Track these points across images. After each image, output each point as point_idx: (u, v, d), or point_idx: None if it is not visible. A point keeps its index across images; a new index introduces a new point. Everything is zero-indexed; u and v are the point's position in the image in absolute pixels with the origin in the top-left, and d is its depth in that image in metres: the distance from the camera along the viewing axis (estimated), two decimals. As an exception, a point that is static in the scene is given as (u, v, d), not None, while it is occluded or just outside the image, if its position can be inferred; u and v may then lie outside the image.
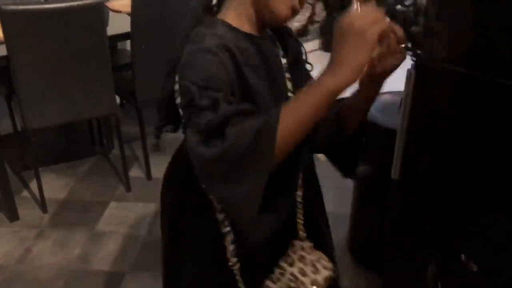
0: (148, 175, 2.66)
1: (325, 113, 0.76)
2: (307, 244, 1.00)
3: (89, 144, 3.04)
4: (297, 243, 1.00)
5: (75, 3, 2.10)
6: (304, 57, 1.05)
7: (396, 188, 1.53)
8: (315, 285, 0.93)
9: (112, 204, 2.45)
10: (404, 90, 1.37)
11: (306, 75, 1.05)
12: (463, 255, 1.40)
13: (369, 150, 1.84)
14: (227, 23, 0.90)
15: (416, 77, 1.32)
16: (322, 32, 4.48)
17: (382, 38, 0.72)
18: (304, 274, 0.94)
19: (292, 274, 0.94)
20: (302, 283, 0.93)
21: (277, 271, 0.96)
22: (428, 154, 1.41)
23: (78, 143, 3.10)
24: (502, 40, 1.13)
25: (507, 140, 1.20)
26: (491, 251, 1.32)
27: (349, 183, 2.32)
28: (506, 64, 1.13)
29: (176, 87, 0.86)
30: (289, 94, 0.99)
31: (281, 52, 1.01)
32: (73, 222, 2.31)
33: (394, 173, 1.47)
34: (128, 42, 3.16)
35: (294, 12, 0.90)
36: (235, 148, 0.75)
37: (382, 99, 1.92)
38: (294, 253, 0.98)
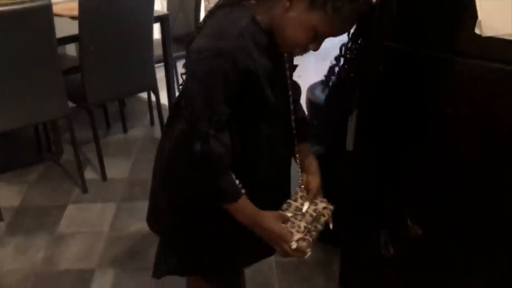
0: (104, 176, 2.67)
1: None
2: (303, 191, 1.20)
3: (35, 152, 2.98)
4: (298, 189, 1.21)
5: (21, 6, 2.10)
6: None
7: (351, 159, 1.69)
8: (316, 212, 1.15)
9: (70, 207, 2.44)
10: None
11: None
12: (408, 220, 1.59)
13: (320, 131, 2.02)
14: (252, 16, 1.01)
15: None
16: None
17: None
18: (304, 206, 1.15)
19: (296, 207, 1.14)
20: (306, 211, 1.14)
21: (284, 205, 1.16)
22: (377, 126, 1.58)
23: (24, 152, 3.03)
24: (422, 18, 1.32)
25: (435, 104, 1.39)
26: (433, 215, 1.51)
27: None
28: (426, 37, 1.32)
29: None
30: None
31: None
32: (31, 227, 2.28)
33: (349, 145, 1.64)
34: (68, 46, 3.15)
35: (303, 48, 1.04)
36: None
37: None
38: (296, 193, 1.18)
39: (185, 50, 1.06)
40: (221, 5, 1.04)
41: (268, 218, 1.08)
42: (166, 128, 1.21)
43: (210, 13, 1.05)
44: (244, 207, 1.08)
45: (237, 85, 0.99)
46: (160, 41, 2.91)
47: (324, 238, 2.17)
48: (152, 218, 1.31)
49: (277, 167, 1.19)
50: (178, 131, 1.08)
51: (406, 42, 1.36)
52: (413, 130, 1.48)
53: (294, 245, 1.05)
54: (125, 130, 3.24)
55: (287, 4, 0.97)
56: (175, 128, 1.11)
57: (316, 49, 1.03)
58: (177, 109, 1.12)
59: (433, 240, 1.53)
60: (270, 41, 1.04)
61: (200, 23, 1.06)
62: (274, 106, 1.11)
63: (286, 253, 1.07)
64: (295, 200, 1.17)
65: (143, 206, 1.37)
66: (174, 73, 3.20)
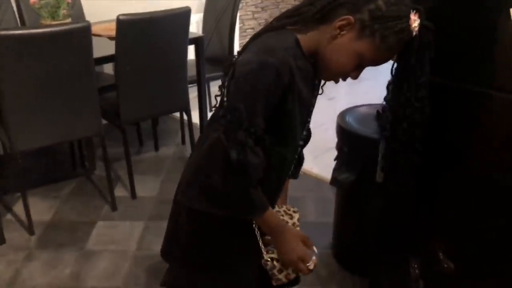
0: (133, 194, 2.70)
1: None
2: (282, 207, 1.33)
3: (70, 167, 3.05)
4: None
5: (62, 28, 2.17)
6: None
7: (381, 189, 1.65)
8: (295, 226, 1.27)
9: (99, 224, 2.47)
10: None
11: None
12: (440, 254, 1.53)
13: (350, 158, 1.98)
14: (297, 40, 1.02)
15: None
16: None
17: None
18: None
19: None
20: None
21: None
22: (407, 157, 1.53)
23: (58, 166, 3.11)
24: (461, 53, 1.29)
25: (472, 139, 1.35)
26: (466, 250, 1.45)
27: (329, 194, 2.44)
28: (468, 72, 1.29)
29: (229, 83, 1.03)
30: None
31: None
32: (61, 242, 2.32)
33: (379, 177, 1.59)
34: (105, 66, 3.24)
35: (345, 76, 1.07)
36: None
37: (360, 111, 2.06)
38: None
39: (224, 68, 1.08)
40: (266, 30, 1.06)
41: (292, 237, 1.13)
42: (198, 142, 1.20)
43: (254, 37, 1.07)
44: (270, 220, 1.11)
45: (276, 100, 1.00)
46: (194, 62, 2.96)
47: (352, 269, 2.14)
48: (171, 241, 1.30)
49: (279, 184, 1.24)
50: (214, 138, 1.03)
51: (441, 76, 1.33)
52: (445, 162, 1.43)
53: (311, 265, 1.12)
54: (156, 148, 3.28)
55: (337, 31, 0.99)
56: (209, 137, 1.07)
57: (356, 77, 1.06)
58: (212, 124, 1.11)
59: (466, 276, 1.47)
60: (308, 68, 1.05)
61: (245, 44, 1.08)
62: (297, 129, 1.12)
63: (301, 271, 1.14)
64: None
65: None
66: (207, 94, 3.23)
